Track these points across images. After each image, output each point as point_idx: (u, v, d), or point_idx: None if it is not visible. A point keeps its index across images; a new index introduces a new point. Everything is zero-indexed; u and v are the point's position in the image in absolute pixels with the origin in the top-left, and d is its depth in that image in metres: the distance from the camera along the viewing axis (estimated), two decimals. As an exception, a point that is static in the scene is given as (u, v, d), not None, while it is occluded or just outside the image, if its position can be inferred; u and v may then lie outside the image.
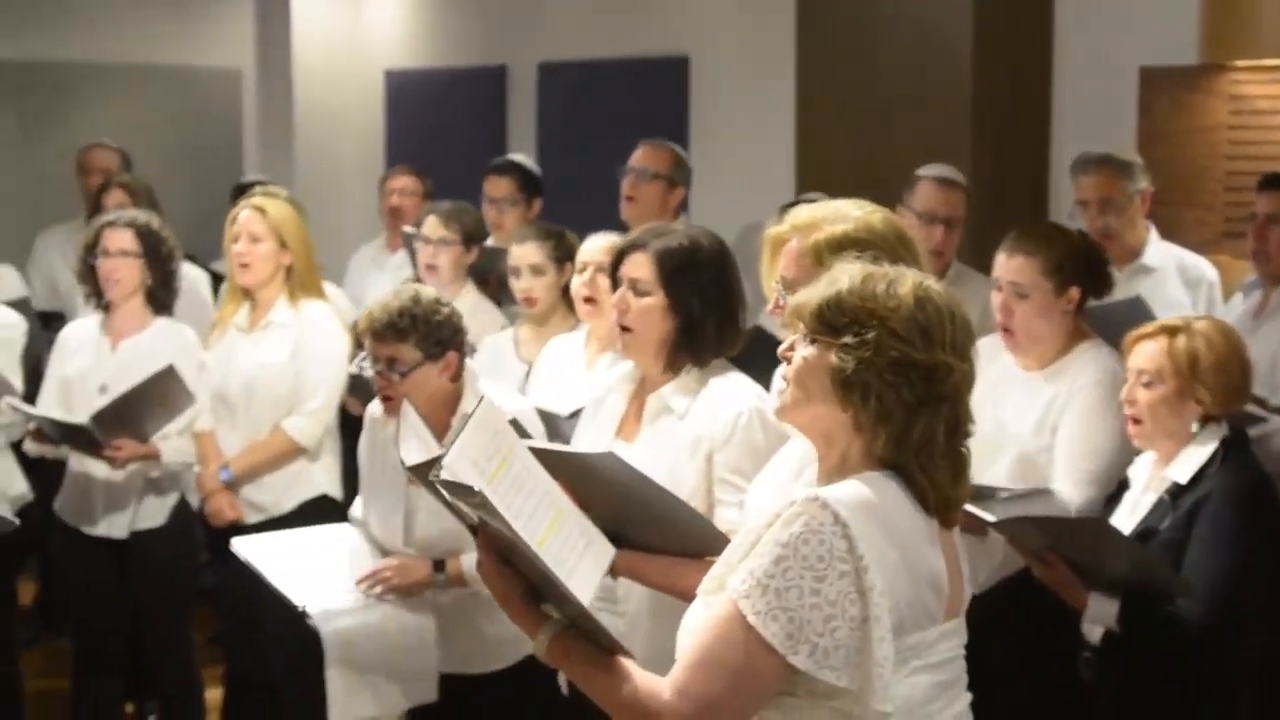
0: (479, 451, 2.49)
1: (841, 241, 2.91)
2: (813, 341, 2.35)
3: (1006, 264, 4.05)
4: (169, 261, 5.06)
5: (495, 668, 3.99)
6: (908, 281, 2.35)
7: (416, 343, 3.88)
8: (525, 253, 5.03)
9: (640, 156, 5.99)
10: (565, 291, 5.01)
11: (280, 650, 4.89)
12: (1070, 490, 3.86)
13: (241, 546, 4.25)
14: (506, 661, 3.97)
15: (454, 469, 2.37)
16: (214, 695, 5.62)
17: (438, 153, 7.84)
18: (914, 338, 2.30)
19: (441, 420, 3.91)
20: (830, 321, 2.33)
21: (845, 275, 2.37)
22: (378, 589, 3.92)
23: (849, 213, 3.01)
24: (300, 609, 3.89)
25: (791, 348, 2.39)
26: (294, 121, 8.41)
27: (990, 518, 3.52)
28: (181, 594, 5.24)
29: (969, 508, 3.42)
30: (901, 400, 2.29)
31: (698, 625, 2.31)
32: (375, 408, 4.14)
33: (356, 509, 4.26)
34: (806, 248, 2.98)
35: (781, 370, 2.43)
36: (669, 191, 5.97)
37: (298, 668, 4.91)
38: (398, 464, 3.39)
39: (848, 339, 2.30)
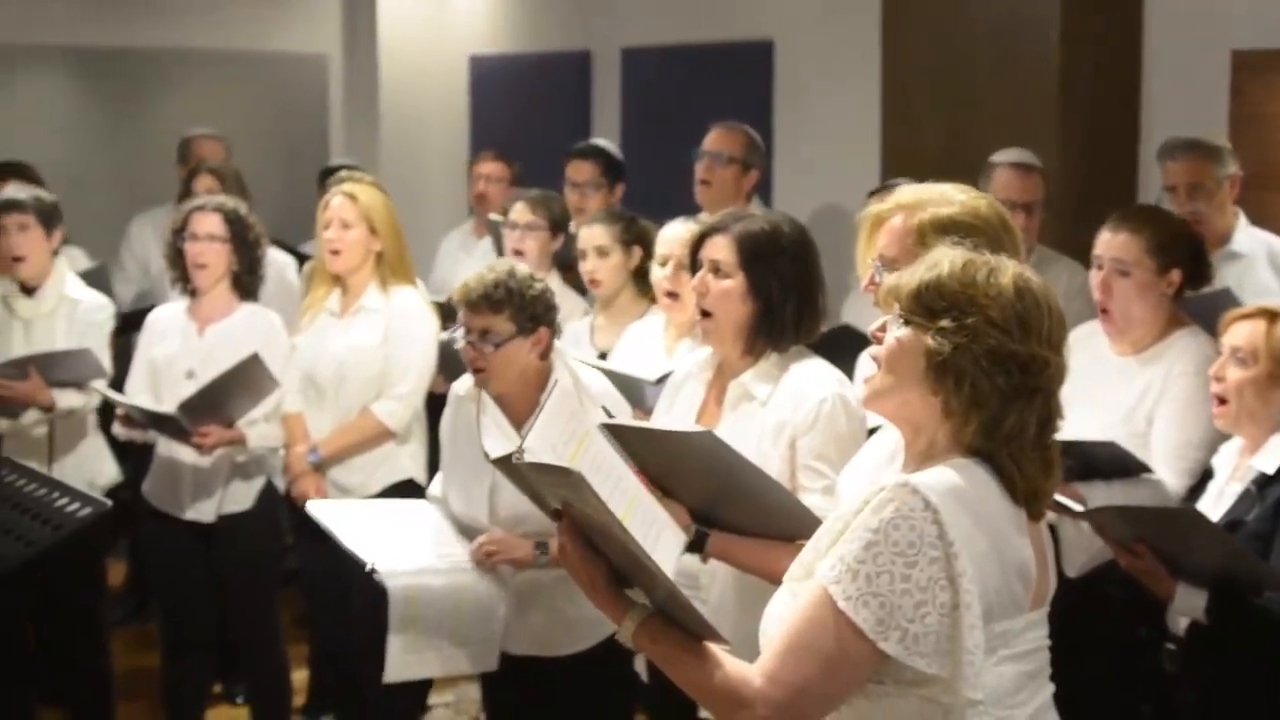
0: (556, 436, 2.50)
1: (946, 224, 2.89)
2: (907, 323, 2.33)
3: (1110, 241, 4.00)
4: (255, 247, 5.11)
5: (574, 650, 3.99)
6: (1008, 271, 2.33)
7: (510, 316, 3.90)
8: (591, 235, 5.04)
9: (713, 140, 5.98)
10: (635, 275, 5.03)
11: (364, 631, 4.94)
12: (1171, 480, 3.81)
13: (315, 508, 4.32)
14: (585, 644, 3.98)
15: (535, 454, 2.38)
16: (299, 676, 5.68)
17: (521, 138, 7.86)
18: (1012, 328, 2.28)
19: (529, 398, 3.91)
20: (928, 304, 2.31)
21: (946, 259, 2.35)
22: (476, 559, 3.93)
23: (955, 196, 2.99)
24: (368, 566, 3.92)
25: (883, 328, 2.38)
26: (379, 107, 8.46)
27: (1078, 507, 3.48)
28: (267, 576, 5.29)
29: (1059, 497, 3.41)
30: (996, 389, 2.27)
31: (785, 612, 2.31)
32: (460, 386, 4.16)
33: (435, 487, 4.28)
34: (910, 226, 2.96)
35: (871, 350, 2.41)
36: (743, 175, 5.96)
37: (381, 649, 4.98)
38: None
39: (945, 323, 2.29)
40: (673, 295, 4.54)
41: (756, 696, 2.23)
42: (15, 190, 5.28)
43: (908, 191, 3.07)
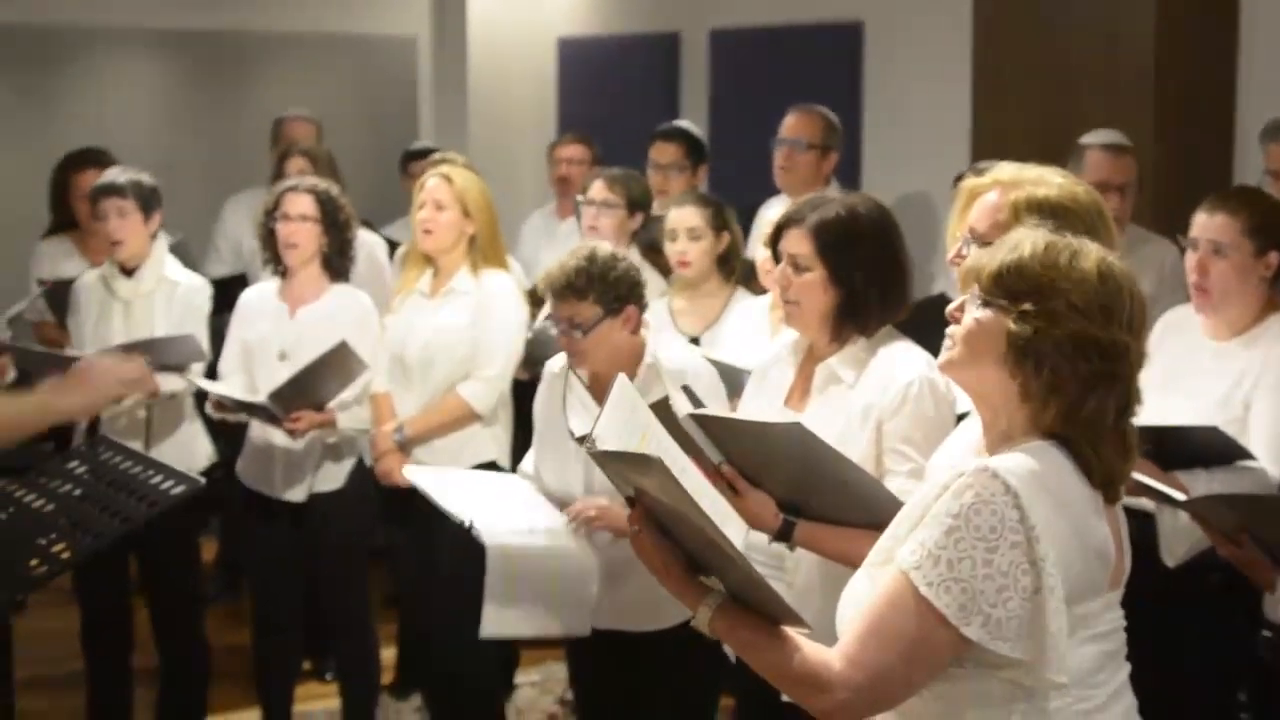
0: (621, 426, 2.51)
1: (1042, 205, 2.87)
2: (986, 304, 2.32)
3: (1207, 222, 3.94)
4: (346, 229, 5.15)
5: (660, 626, 3.97)
6: (1091, 255, 2.31)
7: (595, 300, 3.92)
8: (683, 216, 5.04)
9: (791, 126, 5.97)
10: (720, 260, 5.02)
11: (452, 610, 4.97)
12: (1271, 468, 3.76)
13: (412, 473, 4.36)
14: (672, 621, 3.97)
15: (605, 443, 2.39)
16: (388, 654, 5.73)
17: (609, 120, 7.86)
18: (1094, 313, 2.26)
19: (621, 371, 3.93)
20: (1009, 287, 2.30)
21: (1028, 241, 2.33)
22: (575, 522, 3.93)
23: (1053, 179, 2.97)
24: (466, 522, 3.94)
25: (961, 307, 2.36)
26: (468, 89, 8.49)
27: (1180, 496, 3.44)
28: (357, 555, 5.33)
29: (1160, 486, 3.37)
30: (1076, 374, 2.26)
31: (864, 597, 2.31)
32: (554, 363, 4.18)
33: (527, 464, 4.29)
34: (1005, 203, 2.94)
35: (949, 330, 2.39)
36: (822, 158, 5.95)
37: (469, 627, 5.01)
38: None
39: (1026, 306, 2.27)
40: (771, 275, 4.53)
41: (837, 680, 2.23)
42: (115, 174, 5.34)
43: (1007, 169, 3.05)
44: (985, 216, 2.97)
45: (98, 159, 6.15)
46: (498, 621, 3.90)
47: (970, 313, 2.34)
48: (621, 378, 2.57)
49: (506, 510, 4.07)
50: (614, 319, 3.94)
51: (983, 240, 2.89)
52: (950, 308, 2.39)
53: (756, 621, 2.32)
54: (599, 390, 3.97)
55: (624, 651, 4.04)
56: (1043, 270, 2.28)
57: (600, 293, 3.92)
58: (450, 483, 4.25)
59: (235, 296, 5.37)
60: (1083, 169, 4.94)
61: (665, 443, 2.58)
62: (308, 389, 4.88)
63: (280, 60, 10.75)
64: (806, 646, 2.28)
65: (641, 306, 4.03)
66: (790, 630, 2.30)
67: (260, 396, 4.91)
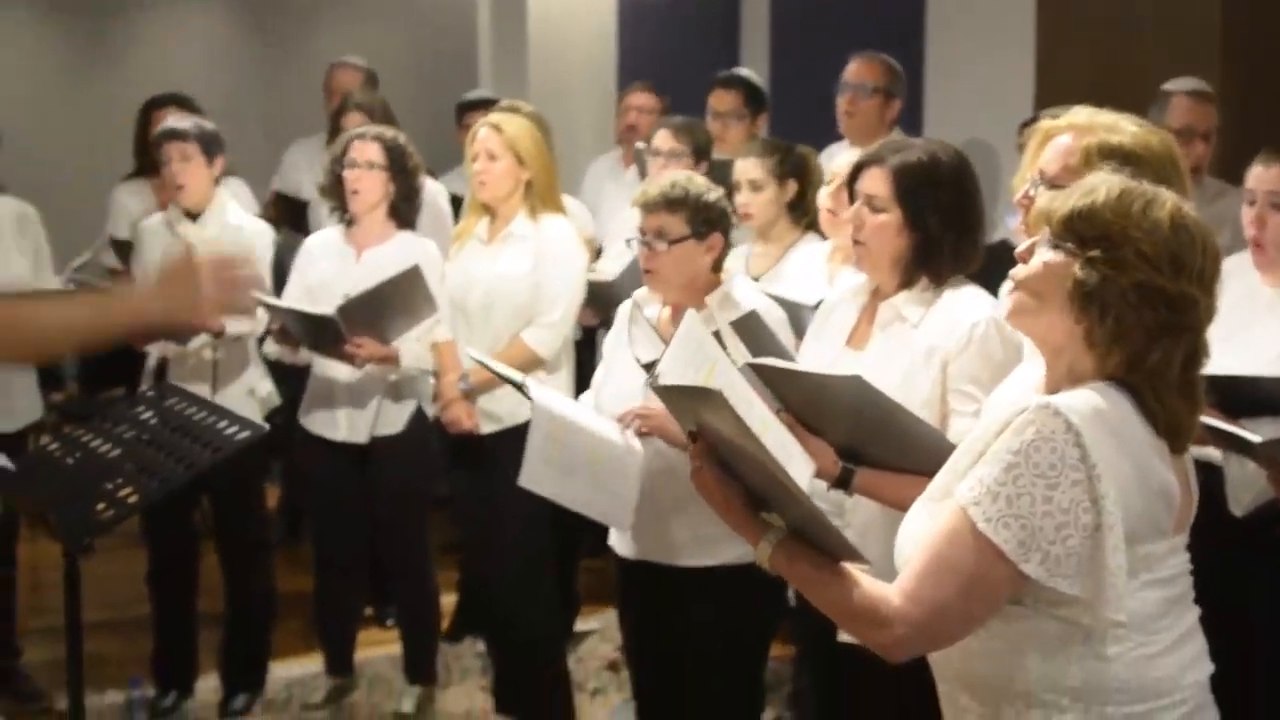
0: (687, 362, 2.51)
1: (1115, 151, 2.84)
2: (1055, 247, 2.31)
3: (1264, 174, 3.90)
4: (413, 176, 5.17)
5: (711, 562, 3.98)
6: (1166, 204, 2.28)
7: (685, 218, 3.96)
8: (745, 167, 5.02)
9: (855, 71, 5.93)
10: (791, 206, 5.00)
11: (513, 558, 5.00)
12: None
13: (476, 354, 4.41)
14: (722, 558, 3.97)
15: (668, 378, 2.39)
16: (447, 601, 5.77)
17: (669, 67, 7.82)
18: (1163, 264, 2.24)
19: (693, 303, 3.94)
20: (1079, 231, 2.28)
21: (1103, 187, 2.31)
22: (626, 422, 3.93)
23: (1127, 126, 2.94)
24: (519, 380, 3.96)
25: (1031, 250, 2.35)
26: (527, 37, 8.45)
27: (1255, 438, 3.41)
28: (418, 500, 5.37)
29: (1233, 429, 3.35)
30: (1141, 324, 2.24)
31: (922, 533, 2.31)
32: (626, 306, 4.19)
33: (586, 397, 4.30)
34: (1077, 147, 2.92)
35: (1014, 271, 2.38)
36: (886, 105, 5.91)
37: (529, 575, 5.04)
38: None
39: (1095, 253, 2.26)
40: (833, 213, 4.52)
41: (895, 615, 2.25)
42: (177, 119, 5.37)
43: (1082, 113, 3.03)
44: (1056, 159, 2.95)
45: (181, 103, 6.18)
46: (539, 474, 3.87)
47: (1039, 255, 2.33)
48: (690, 313, 2.57)
49: (564, 401, 4.09)
50: (698, 243, 3.97)
51: (1052, 183, 2.88)
52: (1019, 249, 2.38)
53: (816, 557, 2.33)
54: (675, 321, 3.96)
55: (673, 588, 4.05)
56: (1114, 217, 2.26)
57: (691, 213, 3.96)
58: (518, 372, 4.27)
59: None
60: (1166, 115, 4.89)
61: (731, 377, 2.59)
62: (376, 313, 4.88)
63: (339, 11, 10.78)
64: (865, 582, 2.29)
65: (727, 240, 4.04)
66: (849, 566, 2.31)
67: (328, 309, 4.91)
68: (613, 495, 3.94)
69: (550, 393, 4.01)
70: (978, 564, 2.20)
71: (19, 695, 5.40)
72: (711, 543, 3.95)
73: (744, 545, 3.76)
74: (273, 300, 5.04)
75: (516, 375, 4.03)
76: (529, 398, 3.90)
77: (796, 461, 2.61)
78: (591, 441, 3.91)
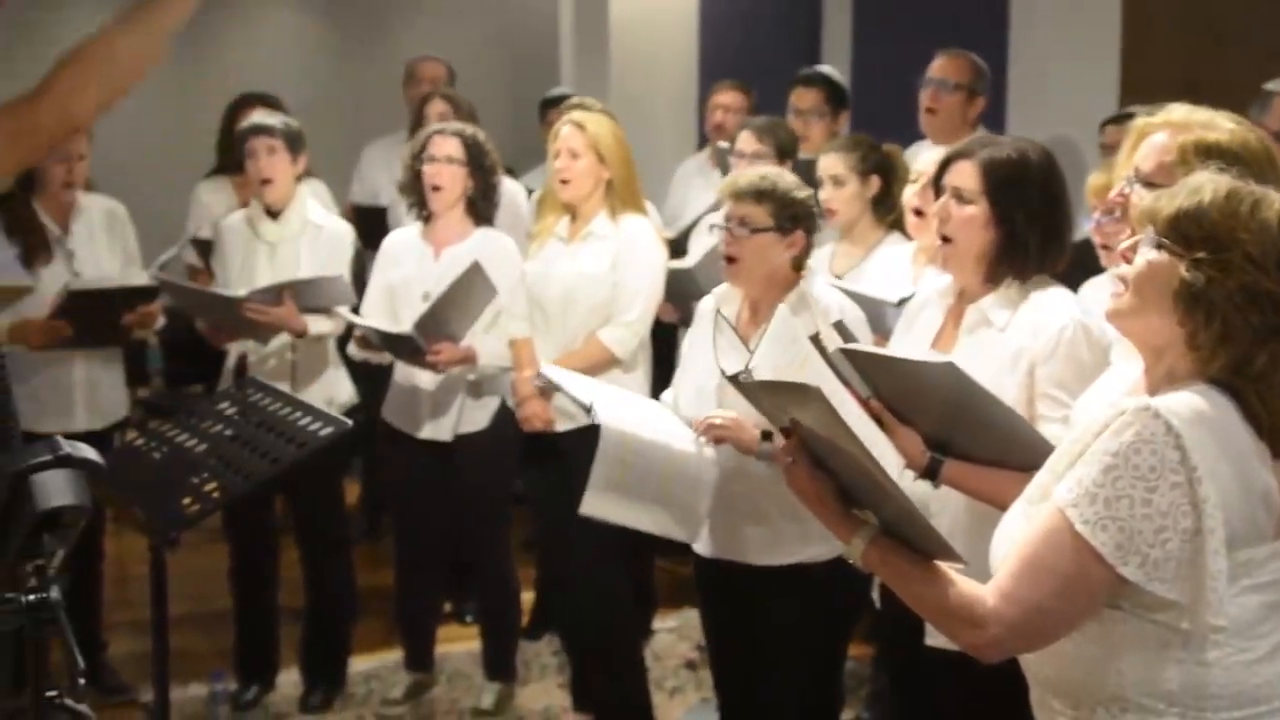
0: (779, 358, 2.51)
1: (1212, 149, 2.80)
2: (1159, 247, 2.28)
3: None
4: (491, 173, 5.18)
5: (786, 561, 3.98)
6: (1274, 205, 2.25)
7: (770, 211, 3.96)
8: (828, 163, 5.00)
9: (939, 67, 5.89)
10: (874, 203, 4.97)
11: (591, 555, 5.00)
12: None
13: (548, 369, 4.41)
14: (799, 557, 3.97)
15: (761, 373, 2.39)
16: (526, 598, 5.79)
17: (751, 65, 7.80)
18: (1270, 266, 2.21)
19: (770, 301, 3.95)
20: (1185, 232, 2.25)
21: (1209, 186, 2.28)
22: (700, 430, 3.92)
23: (1224, 124, 2.90)
24: (586, 403, 3.96)
25: (1134, 248, 2.32)
26: (609, 34, 8.46)
27: None
28: (500, 497, 5.39)
29: None
30: (1248, 326, 2.21)
31: (1019, 533, 2.29)
32: (705, 303, 4.19)
33: (667, 396, 4.31)
34: (1174, 145, 2.88)
35: (1119, 269, 2.36)
36: (969, 102, 5.87)
37: (606, 573, 5.04)
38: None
39: (1201, 254, 2.22)
40: (919, 213, 4.50)
41: (990, 615, 2.23)
42: (263, 116, 5.40)
43: (1179, 110, 2.99)
44: (1152, 157, 2.92)
45: (266, 101, 6.23)
46: (599, 504, 3.89)
47: (1143, 254, 2.30)
48: (782, 310, 2.56)
49: (635, 412, 4.08)
50: (780, 237, 3.97)
51: (1146, 180, 2.85)
52: (1122, 246, 2.35)
53: (909, 555, 2.32)
54: (754, 320, 3.98)
55: (750, 587, 4.04)
56: (1221, 218, 2.23)
57: (776, 206, 3.97)
58: (587, 383, 4.27)
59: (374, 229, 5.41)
60: (1267, 115, 4.83)
61: (824, 374, 2.58)
62: (447, 317, 4.92)
63: (420, 8, 10.82)
64: (960, 581, 2.28)
65: (810, 239, 4.04)
66: (942, 565, 2.30)
67: (405, 327, 4.95)
68: (683, 507, 3.96)
69: (618, 408, 4.00)
70: (1075, 566, 2.18)
71: (105, 688, 5.45)
72: (787, 541, 3.95)
73: (820, 545, 3.82)
74: (352, 318, 5.10)
75: (585, 398, 4.02)
76: (596, 421, 3.90)
77: (888, 458, 2.60)
78: (663, 455, 3.91)
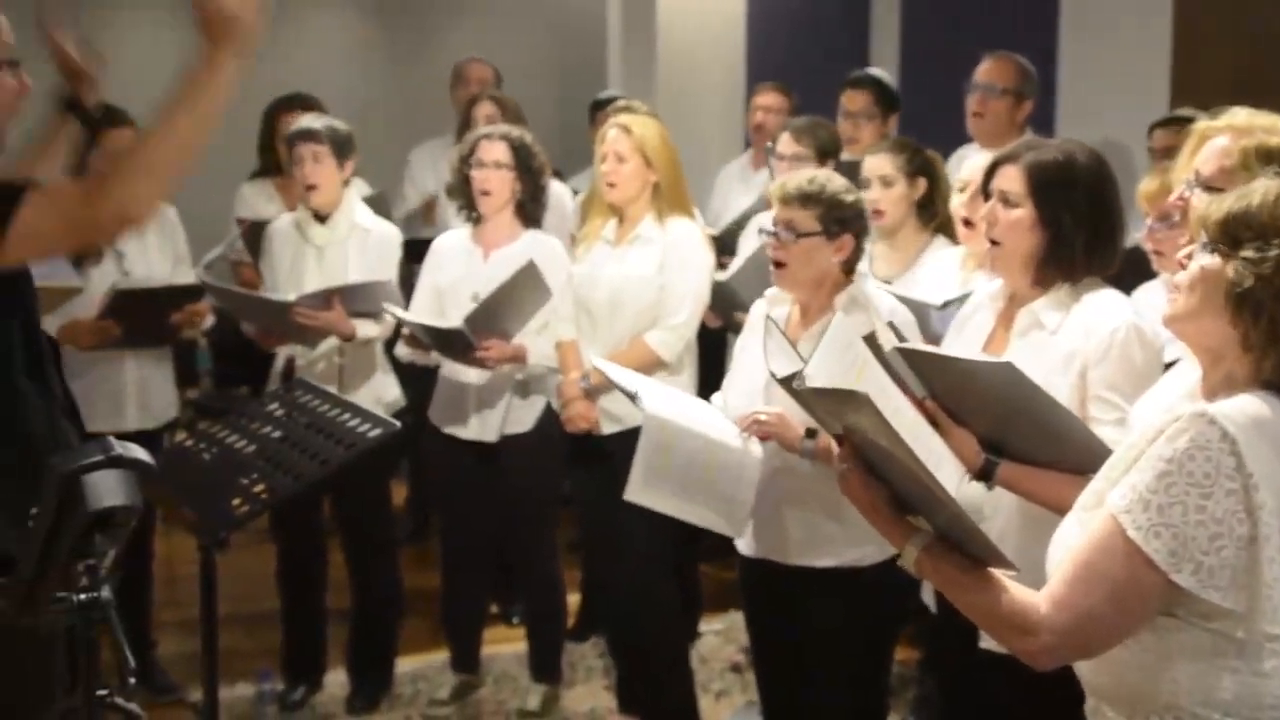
0: (835, 364, 2.49)
1: (1274, 154, 2.78)
2: (1211, 251, 2.27)
3: None
4: (539, 176, 5.19)
5: (828, 563, 3.97)
6: None
7: (818, 215, 3.95)
8: (876, 164, 4.98)
9: (986, 71, 5.86)
10: (919, 206, 4.96)
11: (636, 557, 5.00)
12: None
13: (598, 362, 4.42)
14: (842, 559, 3.96)
15: (815, 381, 2.38)
16: (571, 600, 5.79)
17: (798, 66, 7.79)
18: None
19: (819, 304, 3.95)
20: (1234, 233, 2.24)
21: (1260, 189, 2.27)
22: (744, 426, 3.92)
23: None
24: (632, 391, 3.95)
25: (1190, 255, 2.31)
26: (657, 37, 8.46)
27: None
28: (545, 498, 5.40)
29: None
30: None
31: (1074, 540, 2.28)
32: (757, 307, 4.19)
33: (716, 399, 4.29)
34: (1235, 149, 2.86)
35: (1176, 277, 2.35)
36: (1017, 106, 5.84)
37: (652, 575, 5.04)
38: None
39: (1248, 253, 2.21)
40: (968, 223, 4.48)
41: (1042, 622, 2.23)
42: (310, 120, 5.42)
43: (1241, 114, 2.98)
44: (1212, 160, 2.90)
45: (305, 103, 6.25)
46: (644, 491, 3.86)
47: (1197, 259, 2.29)
48: (839, 315, 2.55)
49: (682, 405, 4.07)
50: (827, 241, 3.96)
51: (1207, 184, 2.83)
52: (1179, 254, 2.35)
53: (963, 562, 2.32)
54: (804, 323, 3.99)
55: (794, 587, 4.03)
56: (1270, 219, 2.22)
57: (824, 210, 3.95)
58: (637, 378, 4.25)
59: (422, 252, 5.44)
60: None
61: (880, 381, 2.57)
62: (498, 316, 4.92)
63: (468, 11, 10.84)
64: (1013, 588, 2.28)
65: (859, 244, 4.02)
66: (995, 571, 2.29)
67: (455, 322, 4.96)
68: (728, 501, 3.94)
69: (664, 400, 3.99)
70: (1128, 573, 2.17)
71: (154, 687, 5.48)
72: (831, 543, 3.94)
73: (864, 547, 3.81)
74: (401, 314, 5.10)
75: (630, 386, 4.01)
76: (641, 408, 3.89)
77: (946, 466, 2.59)
78: (708, 447, 3.89)
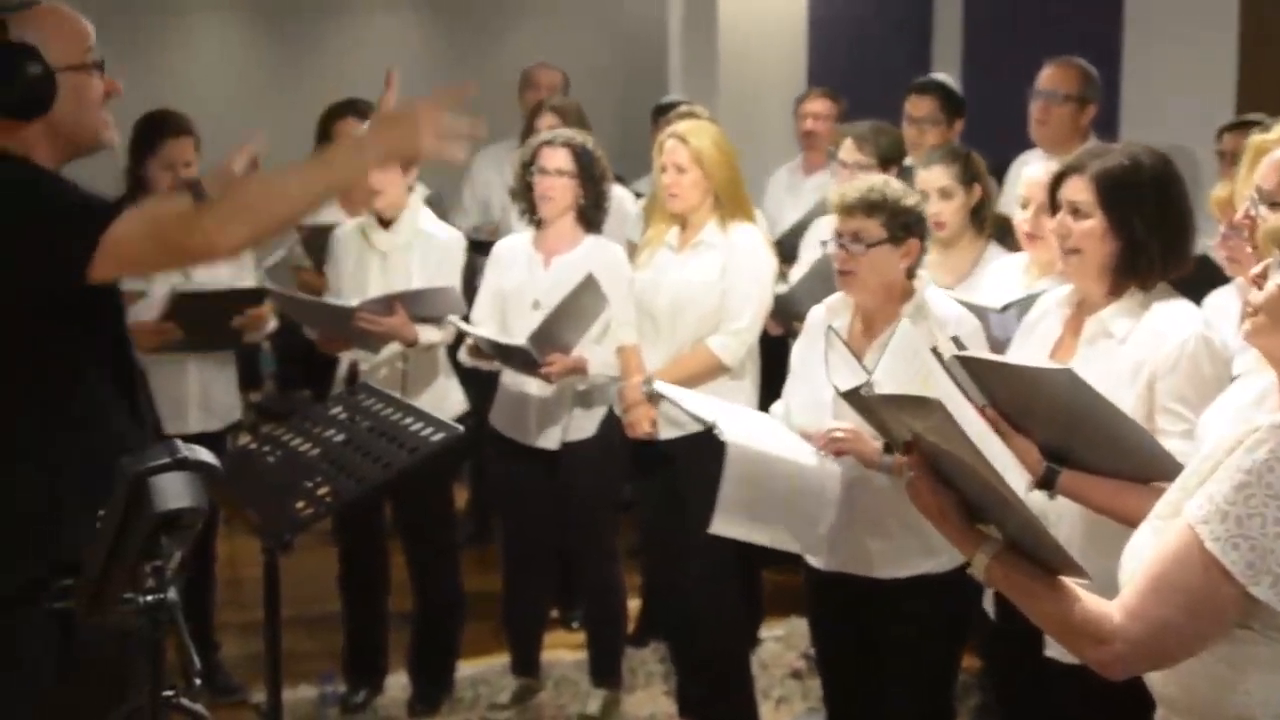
0: (901, 373, 2.48)
1: None
2: None
3: None
4: (601, 182, 5.20)
5: (903, 574, 3.96)
6: None
7: (883, 222, 3.92)
8: (932, 176, 4.94)
9: (1048, 78, 5.82)
10: (973, 213, 4.93)
11: (697, 563, 4.99)
12: None
13: (662, 386, 4.40)
14: (915, 570, 3.95)
15: (882, 387, 2.36)
16: (631, 605, 5.79)
17: (859, 72, 7.77)
18: None
19: (889, 314, 3.93)
20: None
21: None
22: (821, 444, 3.90)
23: None
24: (710, 421, 3.93)
25: (1264, 274, 2.29)
26: (718, 42, 8.45)
27: None
28: (606, 504, 5.41)
29: None
30: None
31: (1149, 550, 2.25)
32: (815, 313, 4.17)
33: (778, 408, 4.29)
34: None
35: (1251, 295, 2.33)
36: (1080, 111, 5.79)
37: (713, 581, 5.03)
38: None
39: None
40: (1032, 237, 4.45)
41: (1116, 632, 2.20)
42: (372, 125, 5.43)
43: None
44: (1272, 174, 2.88)
45: (359, 109, 6.28)
46: (728, 523, 3.87)
47: (1273, 279, 2.27)
48: (905, 323, 2.54)
49: (752, 426, 4.07)
50: (895, 247, 3.93)
51: (1270, 199, 2.80)
52: (1252, 272, 2.33)
53: (1034, 570, 2.29)
54: (868, 333, 3.97)
55: (865, 599, 4.02)
56: None
57: (888, 216, 3.93)
58: (701, 398, 4.28)
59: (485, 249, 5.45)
60: None
61: (947, 388, 2.55)
62: (561, 329, 4.94)
63: (530, 13, 10.86)
64: (1085, 597, 2.25)
65: (924, 246, 4.00)
66: (1066, 580, 2.27)
67: (519, 339, 4.97)
68: (807, 519, 3.93)
69: (741, 426, 3.98)
70: (1204, 584, 2.14)
71: (218, 688, 5.51)
72: (909, 554, 3.92)
73: (937, 557, 3.78)
74: (466, 327, 5.12)
75: (707, 416, 3.99)
76: (722, 438, 3.87)
77: (1013, 473, 2.57)
78: (788, 470, 3.89)
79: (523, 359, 4.98)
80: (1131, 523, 2.39)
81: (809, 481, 3.89)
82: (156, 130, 5.35)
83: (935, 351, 2.95)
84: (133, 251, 2.89)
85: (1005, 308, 4.11)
